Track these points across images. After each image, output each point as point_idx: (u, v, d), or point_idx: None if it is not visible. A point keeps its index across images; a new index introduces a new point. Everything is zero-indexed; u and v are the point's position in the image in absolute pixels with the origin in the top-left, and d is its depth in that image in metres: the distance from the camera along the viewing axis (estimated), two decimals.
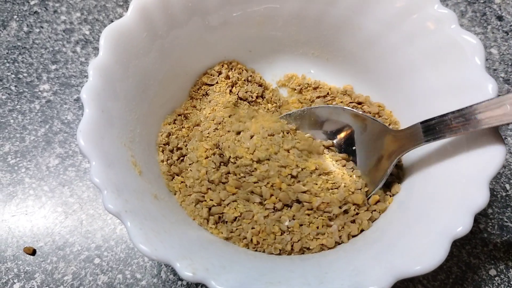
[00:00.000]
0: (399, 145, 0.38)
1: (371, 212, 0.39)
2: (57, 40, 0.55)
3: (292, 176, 0.38)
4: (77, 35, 0.56)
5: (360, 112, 0.42)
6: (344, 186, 0.39)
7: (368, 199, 0.39)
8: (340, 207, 0.38)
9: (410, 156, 0.40)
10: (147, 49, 0.39)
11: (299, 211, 0.38)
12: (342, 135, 0.43)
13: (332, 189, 0.38)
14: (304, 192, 0.38)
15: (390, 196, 0.39)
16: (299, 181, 0.38)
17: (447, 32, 0.37)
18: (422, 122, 0.35)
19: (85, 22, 0.57)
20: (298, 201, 0.38)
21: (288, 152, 0.39)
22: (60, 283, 0.42)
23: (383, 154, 0.39)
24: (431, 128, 0.35)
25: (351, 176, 0.40)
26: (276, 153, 0.39)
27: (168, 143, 0.41)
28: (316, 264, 0.34)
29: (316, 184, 0.38)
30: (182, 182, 0.40)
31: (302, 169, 0.38)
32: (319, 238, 0.38)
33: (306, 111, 0.44)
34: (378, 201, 0.39)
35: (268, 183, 0.38)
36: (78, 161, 0.48)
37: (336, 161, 0.41)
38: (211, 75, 0.46)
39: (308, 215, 0.38)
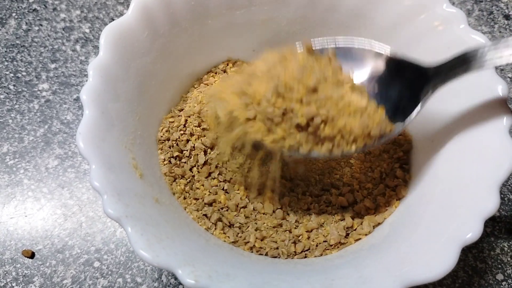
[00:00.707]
0: (436, 79, 0.33)
1: (375, 216, 0.38)
2: (57, 39, 0.54)
3: (313, 90, 0.32)
4: (77, 33, 0.55)
5: (388, 51, 0.36)
6: (368, 116, 0.33)
7: (389, 137, 0.34)
8: (357, 144, 0.33)
9: (418, 159, 0.39)
10: (148, 48, 0.38)
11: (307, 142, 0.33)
12: (369, 77, 0.36)
13: (354, 114, 0.33)
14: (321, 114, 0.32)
15: (397, 200, 0.38)
16: (317, 101, 0.32)
17: (456, 32, 0.36)
18: (458, 56, 0.32)
19: (85, 20, 0.56)
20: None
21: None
22: (59, 287, 0.41)
23: (413, 94, 0.34)
24: (470, 60, 0.31)
25: (375, 110, 0.33)
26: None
27: (168, 139, 0.40)
28: (321, 270, 0.33)
29: (337, 106, 0.32)
30: (185, 185, 0.39)
31: (325, 79, 0.33)
32: (320, 236, 0.37)
33: (326, 50, 0.37)
34: (371, 209, 0.39)
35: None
36: (78, 162, 0.47)
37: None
38: (216, 73, 0.45)
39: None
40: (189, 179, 0.39)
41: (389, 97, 0.35)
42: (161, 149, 0.40)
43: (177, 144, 0.40)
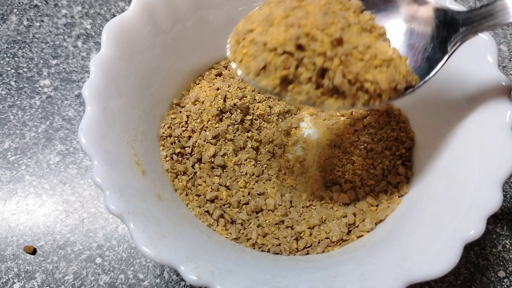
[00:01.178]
0: (467, 28, 0.31)
1: (377, 213, 0.38)
2: (58, 35, 0.54)
3: (337, 42, 0.28)
4: (78, 29, 0.55)
5: None
6: (394, 68, 0.30)
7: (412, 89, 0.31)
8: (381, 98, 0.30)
9: (420, 156, 0.39)
10: (150, 44, 0.38)
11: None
12: (390, 21, 0.33)
13: (380, 67, 0.29)
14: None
15: (399, 197, 0.38)
16: (342, 55, 0.28)
17: None
18: (488, 4, 0.30)
19: (87, 16, 0.56)
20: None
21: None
22: (61, 283, 0.41)
23: (440, 43, 0.32)
24: (500, 9, 0.29)
25: (400, 61, 0.30)
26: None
27: (170, 135, 0.40)
28: (323, 267, 0.33)
29: (362, 60, 0.29)
30: (187, 181, 0.39)
31: (348, 26, 0.29)
32: (322, 232, 0.37)
33: None
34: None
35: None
36: (79, 158, 0.47)
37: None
38: (217, 69, 0.45)
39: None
40: (191, 176, 0.39)
41: (412, 46, 0.32)
42: (163, 146, 0.40)
43: (179, 141, 0.40)
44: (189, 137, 0.40)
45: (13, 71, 0.52)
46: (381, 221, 0.38)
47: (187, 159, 0.40)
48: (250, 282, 0.28)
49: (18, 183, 0.46)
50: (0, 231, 0.43)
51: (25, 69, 0.52)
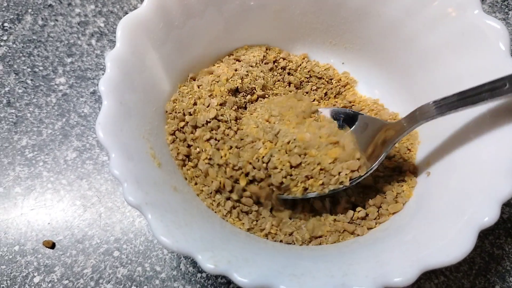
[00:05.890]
0: (395, 132, 0.37)
1: (389, 204, 0.38)
2: (72, 33, 0.55)
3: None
4: (92, 28, 0.55)
5: (362, 113, 0.41)
6: (344, 149, 0.37)
7: (359, 180, 0.37)
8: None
9: (433, 146, 0.39)
10: (163, 40, 0.38)
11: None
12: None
13: (333, 144, 0.37)
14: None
15: (412, 187, 0.38)
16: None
17: (469, 18, 0.36)
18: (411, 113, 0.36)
19: (100, 14, 0.56)
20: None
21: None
22: (80, 276, 0.42)
23: (379, 144, 0.38)
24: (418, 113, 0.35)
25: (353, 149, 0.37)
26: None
27: (175, 110, 0.39)
28: (338, 255, 0.33)
29: (320, 137, 0.37)
30: (193, 167, 0.38)
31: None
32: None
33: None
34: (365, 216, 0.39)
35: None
36: (96, 154, 0.47)
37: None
38: (236, 55, 0.45)
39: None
40: (190, 143, 0.38)
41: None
42: (168, 123, 0.39)
43: (183, 112, 0.39)
44: (194, 104, 0.39)
45: (29, 69, 0.53)
46: (396, 210, 0.38)
47: (187, 124, 0.39)
48: (267, 270, 0.29)
49: (36, 179, 0.46)
50: (20, 226, 0.44)
51: (41, 68, 0.53)
